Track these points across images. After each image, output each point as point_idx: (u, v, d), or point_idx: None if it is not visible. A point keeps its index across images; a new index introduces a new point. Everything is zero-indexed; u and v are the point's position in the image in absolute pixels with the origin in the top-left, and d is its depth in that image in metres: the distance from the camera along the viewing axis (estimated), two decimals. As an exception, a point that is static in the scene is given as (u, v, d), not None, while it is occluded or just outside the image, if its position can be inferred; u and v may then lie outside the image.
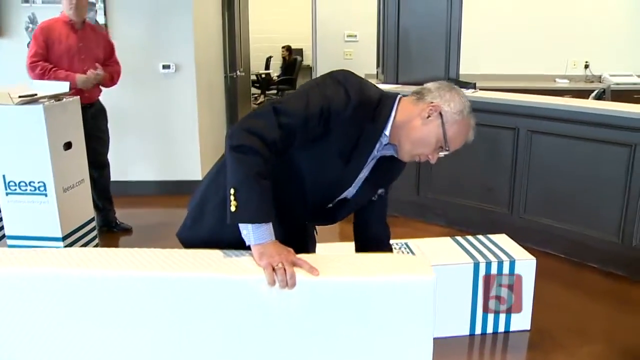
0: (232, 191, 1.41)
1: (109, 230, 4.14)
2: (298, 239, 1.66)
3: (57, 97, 3.26)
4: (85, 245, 3.49)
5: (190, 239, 1.67)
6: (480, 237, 3.00)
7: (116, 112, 4.62)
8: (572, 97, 4.74)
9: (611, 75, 6.25)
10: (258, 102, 10.08)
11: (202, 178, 1.74)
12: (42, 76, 3.57)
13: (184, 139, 4.98)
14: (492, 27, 6.31)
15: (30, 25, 4.67)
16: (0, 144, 3.15)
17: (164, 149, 5.01)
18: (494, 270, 2.71)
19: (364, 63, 5.75)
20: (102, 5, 4.70)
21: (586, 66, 6.53)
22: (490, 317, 2.78)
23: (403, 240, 2.92)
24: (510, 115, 3.89)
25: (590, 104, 3.85)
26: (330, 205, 1.67)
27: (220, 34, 5.85)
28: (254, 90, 9.90)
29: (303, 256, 1.46)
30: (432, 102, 1.54)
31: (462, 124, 1.54)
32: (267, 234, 1.43)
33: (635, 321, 3.00)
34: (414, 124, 1.54)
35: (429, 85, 1.59)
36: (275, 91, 10.63)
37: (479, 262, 2.70)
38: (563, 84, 6.34)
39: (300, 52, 10.81)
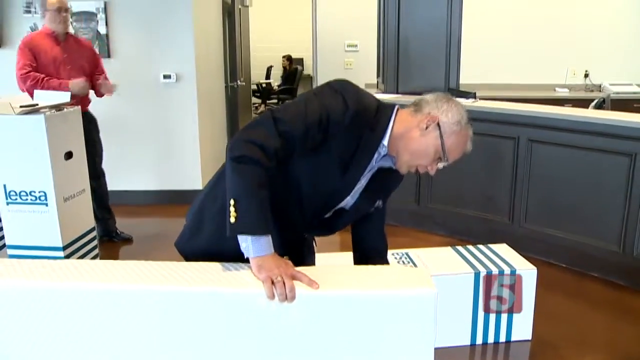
0: (232, 202, 1.40)
1: (109, 240, 4.14)
2: (297, 250, 1.66)
3: (58, 107, 3.27)
4: (85, 255, 3.49)
5: (190, 249, 1.67)
6: (481, 246, 2.99)
7: (117, 122, 4.63)
8: (572, 106, 4.74)
9: (611, 85, 6.26)
10: (259, 111, 10.10)
11: (203, 188, 1.74)
12: (35, 86, 3.54)
13: (185, 149, 4.99)
14: (491, 36, 6.33)
15: (32, 36, 4.69)
16: (1, 154, 3.15)
17: (164, 158, 5.02)
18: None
19: (364, 73, 5.77)
20: (103, 15, 4.73)
21: (586, 75, 6.55)
22: (492, 318, 2.76)
23: (404, 250, 2.91)
24: (510, 125, 3.89)
25: (590, 114, 3.86)
26: (328, 215, 1.67)
27: (221, 43, 5.88)
28: (254, 99, 9.93)
29: (302, 269, 1.45)
30: (429, 113, 1.54)
31: (460, 134, 1.55)
32: (266, 247, 1.43)
33: (637, 331, 2.99)
34: (412, 135, 1.54)
35: (426, 96, 1.60)
36: (276, 101, 10.66)
37: (479, 272, 2.70)
38: (563, 93, 6.35)
39: (300, 61, 10.85)
